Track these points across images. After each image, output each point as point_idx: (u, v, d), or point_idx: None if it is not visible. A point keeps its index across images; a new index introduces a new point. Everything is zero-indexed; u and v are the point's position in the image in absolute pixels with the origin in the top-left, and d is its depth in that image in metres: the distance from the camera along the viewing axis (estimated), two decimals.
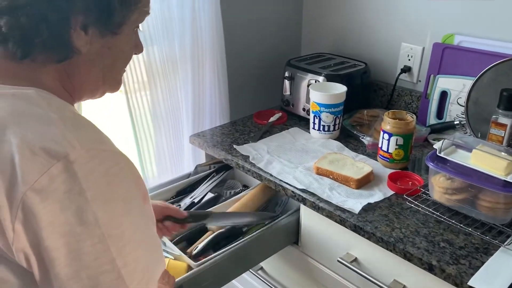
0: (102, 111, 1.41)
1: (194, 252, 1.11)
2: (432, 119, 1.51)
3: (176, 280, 0.94)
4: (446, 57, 1.47)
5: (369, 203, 1.11)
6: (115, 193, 0.57)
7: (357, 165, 1.24)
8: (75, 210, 0.53)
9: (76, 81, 0.67)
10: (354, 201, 1.12)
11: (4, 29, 0.58)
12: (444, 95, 1.48)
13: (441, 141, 1.09)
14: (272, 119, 1.61)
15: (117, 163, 0.59)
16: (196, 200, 1.34)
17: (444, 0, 1.47)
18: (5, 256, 0.55)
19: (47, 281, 0.56)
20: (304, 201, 1.17)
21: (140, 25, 0.73)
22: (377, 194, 1.15)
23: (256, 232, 1.17)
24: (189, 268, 1.05)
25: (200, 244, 1.13)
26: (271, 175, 1.26)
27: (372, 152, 1.37)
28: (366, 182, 1.20)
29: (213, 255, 1.06)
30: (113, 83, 0.74)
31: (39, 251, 0.54)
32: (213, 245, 1.14)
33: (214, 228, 1.19)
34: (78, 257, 0.54)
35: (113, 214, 0.57)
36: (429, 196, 1.11)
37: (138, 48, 0.76)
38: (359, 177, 1.18)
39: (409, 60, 1.61)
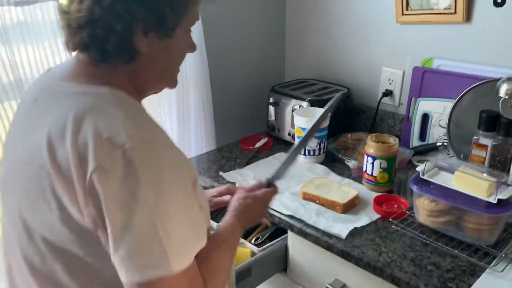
0: None
1: (253, 241, 1.29)
2: (415, 142, 1.53)
3: (244, 263, 1.15)
4: (426, 81, 1.50)
5: (355, 228, 1.11)
6: (164, 178, 0.68)
7: (343, 189, 1.25)
8: (130, 189, 0.65)
9: (141, 80, 0.79)
10: (341, 226, 1.12)
11: (86, 39, 0.73)
12: (425, 117, 1.50)
13: (423, 164, 1.11)
14: (258, 144, 1.62)
15: (168, 153, 0.71)
16: None
17: (422, 25, 1.51)
18: (77, 220, 0.68)
19: (106, 242, 0.68)
20: (291, 227, 1.16)
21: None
22: (364, 218, 1.15)
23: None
24: (252, 254, 1.25)
25: (259, 234, 1.31)
26: None
27: (357, 176, 1.38)
28: (352, 206, 1.20)
29: (270, 243, 1.25)
30: (171, 80, 0.86)
31: (102, 217, 0.66)
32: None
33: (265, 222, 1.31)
34: (129, 226, 0.65)
35: (161, 195, 0.67)
36: (415, 219, 1.11)
37: (191, 47, 0.86)
38: (345, 202, 1.18)
39: (390, 84, 1.64)
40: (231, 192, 1.07)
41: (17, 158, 0.77)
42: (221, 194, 1.09)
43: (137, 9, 0.72)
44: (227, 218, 0.94)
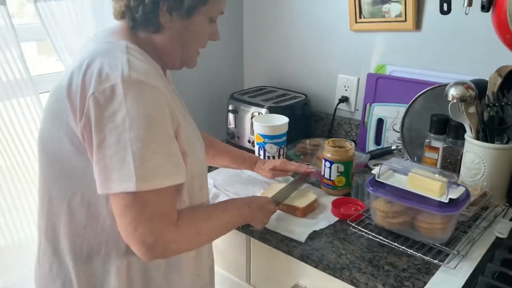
0: None
1: None
2: (371, 146, 1.57)
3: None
4: (380, 87, 1.55)
5: (314, 231, 1.12)
6: (144, 112, 0.81)
7: (302, 194, 1.26)
8: (111, 114, 0.80)
9: (162, 51, 0.96)
10: (300, 230, 1.12)
11: (123, 7, 0.91)
12: (380, 122, 1.55)
13: (378, 166, 1.13)
14: None
15: (153, 94, 0.84)
16: None
17: (374, 33, 1.56)
18: (75, 133, 0.85)
19: (90, 152, 0.83)
20: (251, 233, 1.16)
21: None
22: (322, 222, 1.16)
23: None
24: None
25: None
26: None
27: (316, 180, 1.39)
28: (311, 210, 1.22)
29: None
30: (189, 60, 1.01)
31: (90, 135, 0.82)
32: None
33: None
34: (105, 145, 0.80)
35: (138, 125, 0.80)
36: (372, 221, 1.13)
37: (214, 35, 1.02)
38: (304, 206, 1.19)
39: (346, 90, 1.68)
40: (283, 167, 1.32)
41: (53, 88, 0.93)
42: (276, 168, 1.33)
43: None
44: (238, 200, 1.09)
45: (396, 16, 1.48)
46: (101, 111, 0.80)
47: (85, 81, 0.83)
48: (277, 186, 1.31)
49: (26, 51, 1.24)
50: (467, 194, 1.05)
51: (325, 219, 1.18)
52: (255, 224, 1.09)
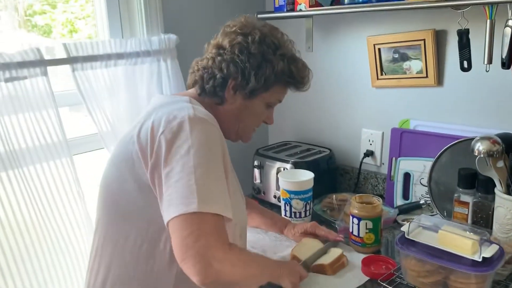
0: None
1: None
2: (399, 200, 1.56)
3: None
4: (405, 141, 1.55)
5: None
6: (208, 145, 0.91)
7: (327, 251, 1.25)
8: (180, 147, 0.89)
9: (222, 119, 1.05)
10: None
11: (197, 77, 1.08)
12: (407, 176, 1.54)
13: (408, 223, 1.12)
14: None
15: (214, 132, 0.95)
16: None
17: (397, 89, 1.59)
18: (139, 174, 0.94)
19: (159, 189, 0.91)
20: None
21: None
22: (352, 281, 1.14)
23: None
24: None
25: None
26: None
27: (344, 237, 1.38)
28: (340, 266, 1.20)
29: None
30: (244, 135, 1.16)
31: (159, 170, 0.90)
32: None
33: None
34: (172, 174, 0.88)
35: (202, 155, 0.89)
36: (403, 280, 1.11)
37: (269, 119, 1.19)
38: (330, 262, 1.18)
39: (371, 144, 1.69)
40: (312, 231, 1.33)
41: (120, 140, 1.05)
42: (306, 232, 1.34)
43: (233, 69, 1.04)
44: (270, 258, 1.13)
45: (417, 73, 1.51)
46: (170, 146, 0.90)
47: (154, 125, 0.94)
48: (308, 241, 1.29)
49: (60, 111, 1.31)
50: (501, 252, 1.02)
51: (355, 278, 1.16)
52: (284, 284, 1.07)
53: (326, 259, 1.19)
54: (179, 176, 0.87)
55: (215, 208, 0.87)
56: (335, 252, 1.22)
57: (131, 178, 0.95)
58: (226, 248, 0.86)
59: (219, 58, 1.05)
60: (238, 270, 0.90)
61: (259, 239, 1.40)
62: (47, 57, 1.23)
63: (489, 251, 1.00)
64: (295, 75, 1.10)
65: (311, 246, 1.27)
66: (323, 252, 1.25)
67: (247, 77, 1.04)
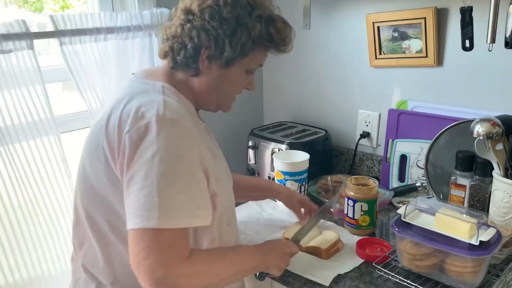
0: None
1: None
2: (394, 183, 1.54)
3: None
4: (402, 122, 1.52)
5: (339, 274, 1.09)
6: (174, 151, 0.85)
7: (324, 234, 1.23)
8: (142, 151, 0.83)
9: (198, 94, 1.00)
10: (324, 273, 1.09)
11: (167, 48, 0.97)
12: (403, 158, 1.52)
13: (404, 206, 1.10)
14: None
15: (185, 135, 0.87)
16: None
17: (395, 69, 1.55)
18: (114, 172, 0.89)
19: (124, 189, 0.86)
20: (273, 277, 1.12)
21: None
22: (347, 264, 1.13)
23: None
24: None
25: None
26: None
27: (339, 219, 1.36)
28: (335, 251, 1.18)
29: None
30: (224, 104, 1.05)
31: (124, 169, 0.85)
32: None
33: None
34: (134, 180, 0.83)
35: (166, 163, 0.83)
36: (398, 263, 1.09)
37: (250, 85, 1.06)
38: (327, 247, 1.16)
39: (367, 126, 1.66)
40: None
41: (93, 124, 0.98)
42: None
43: (205, 37, 0.92)
44: (250, 245, 1.06)
45: (417, 52, 1.47)
46: (134, 148, 0.84)
47: (122, 119, 0.88)
48: (298, 226, 1.28)
49: (51, 90, 1.27)
50: (498, 235, 1.01)
51: (350, 261, 1.14)
52: (270, 270, 1.04)
53: (322, 243, 1.17)
54: (142, 185, 0.82)
55: (176, 223, 0.83)
56: (331, 236, 1.20)
57: (104, 175, 0.91)
58: (180, 263, 0.83)
59: (188, 25, 0.93)
60: (197, 281, 0.86)
61: (253, 220, 1.38)
62: (34, 30, 1.18)
63: (486, 235, 0.98)
64: (274, 37, 0.97)
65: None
66: (312, 225, 1.23)
67: (221, 45, 0.92)
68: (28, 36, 1.15)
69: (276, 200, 1.39)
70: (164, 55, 0.99)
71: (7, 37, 1.12)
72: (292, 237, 1.16)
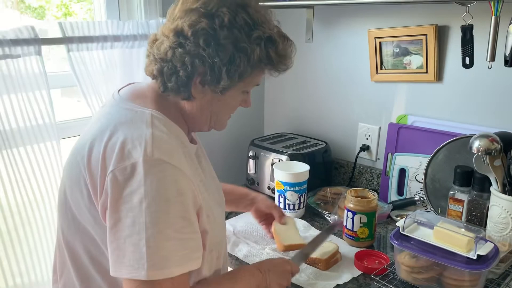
0: None
1: None
2: (393, 196, 1.55)
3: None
4: (402, 136, 1.54)
5: (337, 285, 1.09)
6: (163, 196, 0.78)
7: (324, 245, 1.23)
8: (128, 195, 0.77)
9: (191, 117, 0.93)
10: (323, 284, 1.10)
11: (156, 71, 0.88)
12: (402, 172, 1.53)
13: (403, 219, 1.11)
14: None
15: (175, 176, 0.80)
16: None
17: (396, 83, 1.58)
18: (93, 204, 0.83)
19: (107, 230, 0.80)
20: None
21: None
22: (345, 275, 1.14)
23: None
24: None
25: None
26: (237, 258, 1.23)
27: (338, 231, 1.37)
28: (334, 262, 1.19)
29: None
30: (218, 124, 0.98)
31: (106, 212, 0.80)
32: None
33: None
34: (119, 227, 0.78)
35: (156, 209, 0.77)
36: (396, 275, 1.10)
37: (246, 103, 0.99)
38: (326, 258, 1.17)
39: (367, 139, 1.68)
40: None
41: (74, 147, 0.91)
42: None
43: (200, 65, 0.84)
44: (249, 266, 1.02)
45: (417, 68, 1.50)
46: (119, 190, 0.78)
47: (106, 155, 0.80)
48: (290, 222, 1.27)
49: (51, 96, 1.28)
50: (496, 250, 1.02)
51: (348, 272, 1.15)
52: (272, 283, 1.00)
53: (321, 254, 1.18)
54: (129, 232, 0.77)
55: (167, 273, 0.78)
56: (330, 247, 1.21)
57: (86, 209, 0.85)
58: None
59: (180, 50, 0.83)
60: None
61: (252, 230, 1.39)
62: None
63: (484, 249, 0.99)
64: (274, 60, 0.89)
65: (291, 227, 1.25)
66: (317, 244, 1.21)
67: (217, 74, 0.84)
68: (36, 42, 1.17)
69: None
70: (153, 77, 0.90)
71: (16, 42, 1.14)
72: (294, 256, 1.14)
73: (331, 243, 1.24)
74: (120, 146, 0.80)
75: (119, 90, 0.95)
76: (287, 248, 1.18)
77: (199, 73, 0.85)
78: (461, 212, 1.28)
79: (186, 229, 0.81)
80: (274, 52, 0.88)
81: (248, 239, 1.33)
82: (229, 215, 1.48)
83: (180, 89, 0.87)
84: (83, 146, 0.85)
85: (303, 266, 1.18)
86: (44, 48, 1.21)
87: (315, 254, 1.18)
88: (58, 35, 1.25)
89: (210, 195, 0.95)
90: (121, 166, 0.78)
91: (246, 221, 1.44)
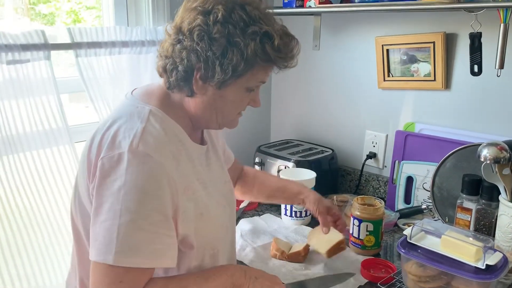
0: None
1: None
2: (400, 204, 1.54)
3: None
4: (409, 144, 1.53)
5: None
6: (143, 187, 0.81)
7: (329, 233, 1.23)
8: (110, 182, 0.81)
9: (194, 113, 0.95)
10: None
11: (160, 68, 0.93)
12: (410, 180, 1.52)
13: (410, 227, 1.10)
14: (243, 204, 1.60)
15: (156, 170, 0.83)
16: None
17: (403, 91, 1.57)
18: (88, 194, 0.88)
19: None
20: None
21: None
22: (351, 284, 1.12)
23: None
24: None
25: None
26: (242, 263, 1.23)
27: (344, 238, 1.36)
28: (339, 250, 1.22)
29: None
30: (226, 122, 0.99)
31: (94, 195, 0.84)
32: None
33: None
34: (98, 212, 0.82)
35: (132, 198, 0.80)
36: (403, 284, 1.09)
37: (255, 102, 1.00)
38: (329, 247, 1.20)
39: (374, 146, 1.67)
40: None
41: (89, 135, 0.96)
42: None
43: (195, 59, 0.87)
44: (234, 267, 1.00)
45: (425, 75, 1.49)
46: (104, 177, 0.82)
47: (102, 143, 0.86)
48: (319, 231, 1.25)
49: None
50: (505, 260, 1.00)
51: (355, 281, 1.14)
52: None
53: (326, 241, 1.21)
54: (105, 217, 0.80)
55: (133, 262, 0.80)
56: (336, 236, 1.23)
57: (85, 189, 0.89)
58: None
59: (178, 46, 0.88)
60: None
61: (259, 233, 1.38)
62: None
63: (492, 259, 0.98)
64: (271, 56, 0.88)
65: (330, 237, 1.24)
66: (323, 283, 1.15)
67: (211, 67, 0.86)
68: (46, 47, 1.18)
69: (302, 205, 1.29)
70: (160, 74, 0.95)
71: (26, 47, 1.15)
72: (291, 283, 1.10)
73: (337, 234, 1.23)
74: (112, 136, 0.85)
75: (133, 90, 0.99)
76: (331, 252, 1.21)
77: (197, 68, 0.88)
78: (469, 221, 1.27)
79: (162, 224, 0.83)
80: (271, 47, 0.87)
81: (256, 243, 1.32)
82: (239, 218, 1.48)
83: (181, 84, 0.91)
84: (91, 136, 0.92)
85: (307, 265, 1.18)
86: (53, 53, 1.22)
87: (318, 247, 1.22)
88: (67, 40, 1.26)
89: (208, 194, 0.95)
90: (110, 154, 0.83)
91: (253, 224, 1.44)
